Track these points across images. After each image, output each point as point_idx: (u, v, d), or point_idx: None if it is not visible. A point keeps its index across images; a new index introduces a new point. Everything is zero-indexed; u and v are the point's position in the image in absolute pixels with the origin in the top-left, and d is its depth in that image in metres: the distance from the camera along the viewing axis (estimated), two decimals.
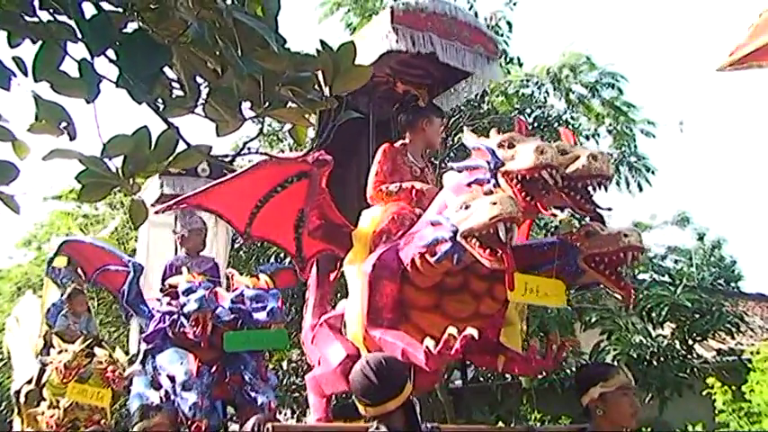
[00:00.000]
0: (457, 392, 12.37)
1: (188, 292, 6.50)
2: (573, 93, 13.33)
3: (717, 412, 9.33)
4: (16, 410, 8.74)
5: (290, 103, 1.84)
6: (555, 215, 5.22)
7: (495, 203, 3.60)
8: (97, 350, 7.53)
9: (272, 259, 11.85)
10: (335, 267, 5.12)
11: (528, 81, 13.22)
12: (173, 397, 6.48)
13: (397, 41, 4.74)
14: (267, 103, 1.76)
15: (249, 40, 1.58)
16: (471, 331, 3.65)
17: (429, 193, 4.60)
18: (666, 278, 12.48)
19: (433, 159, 5.53)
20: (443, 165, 10.21)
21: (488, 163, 3.85)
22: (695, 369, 10.44)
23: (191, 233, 7.43)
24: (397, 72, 5.31)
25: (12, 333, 9.35)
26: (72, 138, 1.95)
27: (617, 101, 13.40)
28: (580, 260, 3.90)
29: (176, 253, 7.59)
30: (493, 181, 3.83)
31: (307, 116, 1.87)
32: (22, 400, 8.17)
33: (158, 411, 5.45)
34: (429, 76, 5.38)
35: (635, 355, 10.09)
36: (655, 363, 10.18)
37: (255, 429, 4.16)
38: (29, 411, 7.97)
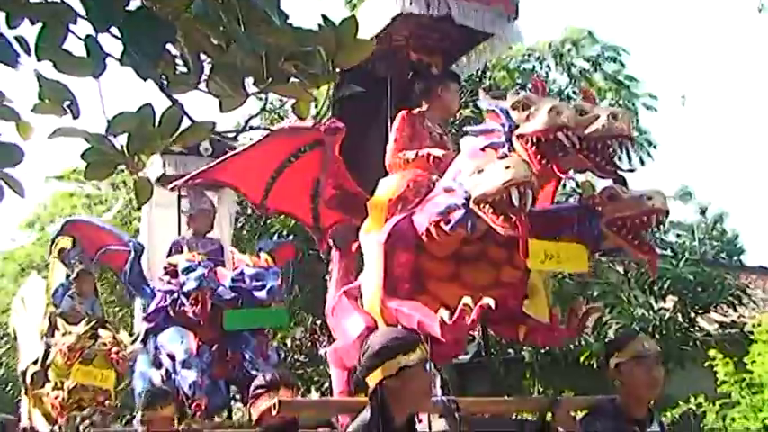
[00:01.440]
0: (459, 367, 12.42)
1: (187, 270, 6.49)
2: (575, 67, 13.33)
3: (719, 383, 9.39)
4: (23, 390, 8.79)
5: (292, 78, 1.85)
6: (572, 178, 5.10)
7: (508, 167, 3.48)
8: (101, 331, 7.52)
9: (275, 237, 11.87)
10: (356, 237, 4.94)
11: (529, 56, 13.21)
12: (173, 375, 6.49)
13: (410, 3, 4.60)
14: (270, 79, 1.76)
15: (252, 15, 1.58)
16: (487, 300, 3.56)
17: (446, 159, 4.45)
18: (669, 252, 12.51)
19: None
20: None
21: (503, 126, 3.72)
22: (697, 341, 10.50)
23: (199, 213, 7.48)
24: (415, 36, 5.09)
25: (18, 314, 9.37)
26: (75, 116, 1.95)
27: (619, 75, 13.39)
28: (602, 224, 3.75)
29: (179, 233, 7.60)
30: (507, 144, 3.70)
31: (309, 91, 1.88)
32: (27, 380, 8.21)
33: (165, 401, 5.42)
34: (447, 38, 5.16)
35: (637, 329, 10.12)
36: (657, 336, 10.22)
37: (270, 379, 4.00)
38: (34, 392, 8.00)
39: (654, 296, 10.66)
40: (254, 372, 6.39)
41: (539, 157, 3.59)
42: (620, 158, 3.74)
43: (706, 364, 9.60)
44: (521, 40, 5.21)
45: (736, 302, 10.68)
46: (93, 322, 7.62)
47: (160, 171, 7.50)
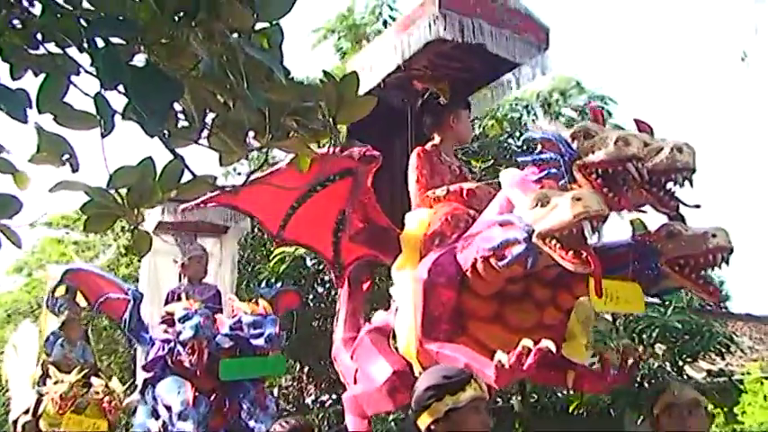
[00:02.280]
0: None
1: (184, 319, 6.45)
2: (563, 116, 13.43)
3: None
4: None
5: (292, 133, 1.87)
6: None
7: (578, 199, 3.25)
8: (94, 380, 7.45)
9: (263, 284, 11.84)
10: (369, 276, 4.85)
11: (517, 105, 13.33)
12: (170, 427, 6.40)
13: (444, 29, 4.35)
14: (271, 134, 1.78)
15: (256, 71, 1.60)
16: (547, 343, 3.31)
17: (481, 192, 4.30)
18: (656, 300, 12.50)
19: None
20: None
21: (562, 156, 3.48)
22: None
23: (191, 260, 7.47)
24: (435, 65, 4.87)
25: (10, 361, 9.24)
26: (74, 170, 1.96)
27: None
28: (662, 263, 3.53)
29: (179, 280, 7.58)
30: (567, 176, 3.46)
31: (309, 146, 1.89)
32: (19, 430, 8.04)
33: None
34: (469, 69, 4.95)
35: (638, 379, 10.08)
36: (646, 384, 10.18)
37: (292, 426, 3.75)
38: None
39: (642, 345, 10.61)
40: (251, 422, 6.33)
41: (605, 189, 3.37)
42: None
43: None
44: (549, 70, 4.96)
45: (724, 351, 10.65)
46: (86, 371, 7.54)
47: (158, 218, 7.50)
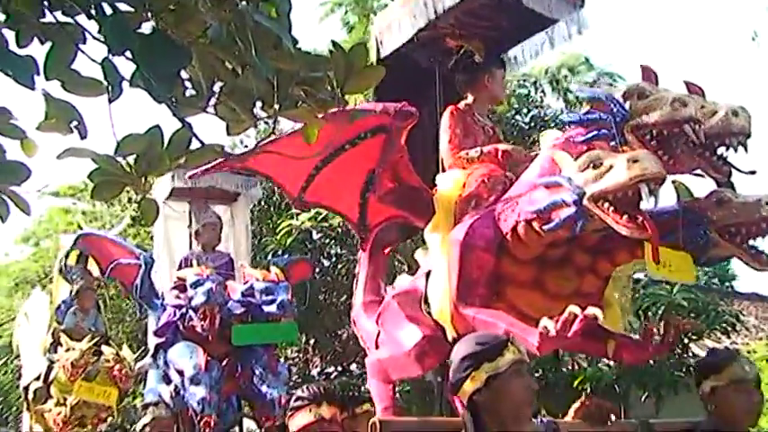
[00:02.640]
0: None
1: (195, 284, 6.41)
2: (571, 93, 13.36)
3: None
4: (25, 406, 8.66)
5: (300, 103, 1.86)
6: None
7: (635, 161, 3.09)
8: (104, 348, 7.43)
9: (270, 256, 11.87)
10: (393, 239, 4.71)
11: (525, 81, 13.25)
12: (182, 392, 6.40)
13: None
14: (279, 104, 1.78)
15: (265, 40, 1.60)
16: (594, 311, 3.16)
17: (516, 154, 4.18)
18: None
19: None
20: None
21: (614, 116, 3.33)
22: (691, 368, 10.46)
23: (204, 228, 7.39)
24: (461, 24, 4.65)
25: (21, 329, 9.26)
26: (83, 137, 1.96)
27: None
28: (711, 231, 3.37)
29: (190, 247, 7.56)
30: (618, 137, 3.31)
31: (318, 116, 1.89)
32: (30, 396, 8.07)
33: (157, 408, 5.48)
34: (497, 27, 4.69)
35: None
36: (651, 362, 10.20)
37: (313, 392, 3.45)
38: (36, 408, 7.87)
39: (648, 322, 10.64)
40: (263, 388, 6.35)
41: (660, 152, 3.22)
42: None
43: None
44: (587, 27, 4.64)
45: (730, 329, 10.68)
46: (97, 338, 7.54)
47: (170, 185, 7.43)
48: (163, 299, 7.01)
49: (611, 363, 8.58)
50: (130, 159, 1.85)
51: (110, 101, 1.59)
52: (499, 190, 3.92)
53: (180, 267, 7.12)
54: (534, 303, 3.58)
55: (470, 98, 4.58)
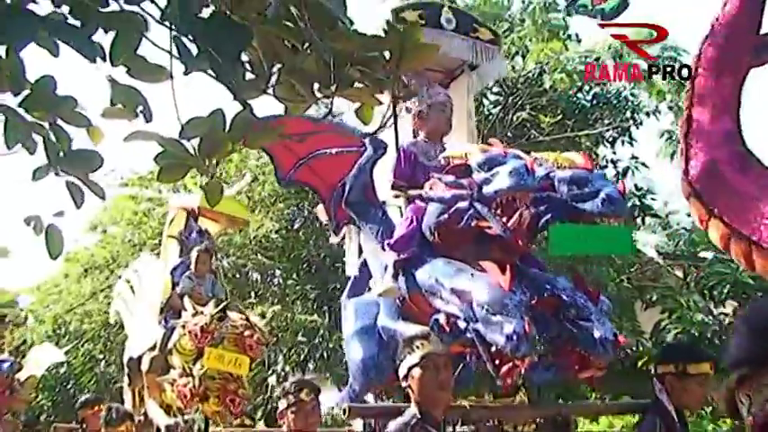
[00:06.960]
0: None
1: (490, 163, 3.99)
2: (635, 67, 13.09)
3: None
4: (127, 382, 8.06)
5: (356, 83, 1.89)
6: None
7: None
8: (231, 314, 6.68)
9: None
10: None
11: (587, 57, 13.03)
12: (469, 323, 3.82)
13: None
14: (336, 84, 1.81)
15: (321, 20, 1.63)
16: None
17: None
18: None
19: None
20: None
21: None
22: None
23: (433, 109, 4.92)
24: None
25: (123, 300, 8.63)
26: (148, 120, 2.02)
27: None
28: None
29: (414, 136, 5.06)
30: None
31: (374, 95, 1.92)
32: (144, 368, 7.30)
33: (428, 341, 3.52)
34: None
35: (696, 334, 9.96)
36: (716, 341, 10.04)
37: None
38: (155, 380, 7.05)
39: (713, 301, 10.46)
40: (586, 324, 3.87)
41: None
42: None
43: None
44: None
45: None
46: (225, 303, 6.87)
47: None
48: (383, 204, 4.90)
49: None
50: (194, 142, 1.90)
51: (184, 73, 1.65)
52: None
53: (400, 161, 4.80)
54: None
55: None
